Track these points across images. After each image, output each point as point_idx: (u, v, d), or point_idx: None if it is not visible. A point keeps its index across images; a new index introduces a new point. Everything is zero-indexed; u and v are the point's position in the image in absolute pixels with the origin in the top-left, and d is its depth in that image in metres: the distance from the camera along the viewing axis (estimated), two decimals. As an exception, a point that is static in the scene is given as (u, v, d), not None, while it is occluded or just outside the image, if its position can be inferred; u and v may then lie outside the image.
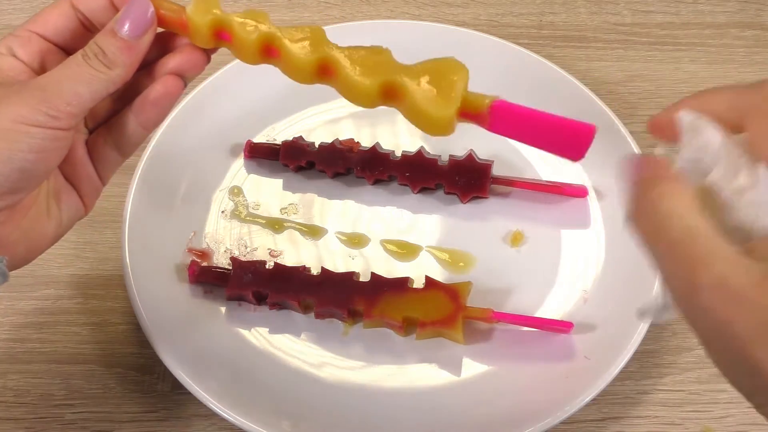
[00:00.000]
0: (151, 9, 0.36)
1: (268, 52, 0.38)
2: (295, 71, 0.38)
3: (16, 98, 0.33)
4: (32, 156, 0.33)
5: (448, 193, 0.52)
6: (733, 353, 0.23)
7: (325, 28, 0.58)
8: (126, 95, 0.38)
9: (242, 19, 0.38)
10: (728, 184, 0.26)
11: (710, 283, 0.23)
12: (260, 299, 0.48)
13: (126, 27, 0.35)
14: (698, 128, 0.28)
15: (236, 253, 0.51)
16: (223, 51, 0.62)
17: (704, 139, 0.27)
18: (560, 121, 0.36)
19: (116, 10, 0.37)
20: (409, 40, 0.58)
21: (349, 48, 0.38)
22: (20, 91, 0.33)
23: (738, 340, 0.23)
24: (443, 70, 0.38)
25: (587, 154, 0.52)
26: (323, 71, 0.38)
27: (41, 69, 0.37)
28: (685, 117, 0.28)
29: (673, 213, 0.25)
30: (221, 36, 0.38)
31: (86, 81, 0.34)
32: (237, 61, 0.56)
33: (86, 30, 0.38)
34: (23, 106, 0.32)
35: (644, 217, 0.26)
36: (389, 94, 0.38)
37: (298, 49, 0.38)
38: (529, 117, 0.37)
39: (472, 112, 0.38)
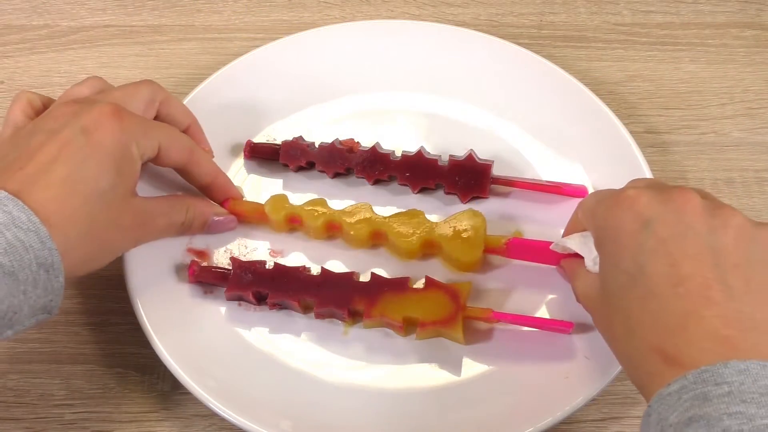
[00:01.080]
0: (236, 224, 0.51)
1: (332, 229, 0.50)
2: (355, 243, 0.50)
3: (137, 232, 0.45)
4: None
5: (448, 194, 0.52)
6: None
7: (324, 27, 0.58)
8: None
9: (308, 208, 0.50)
10: (591, 258, 0.43)
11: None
12: (260, 299, 0.48)
13: (215, 226, 0.50)
14: (563, 245, 0.45)
15: (236, 253, 0.51)
16: (223, 46, 0.63)
17: (569, 246, 0.45)
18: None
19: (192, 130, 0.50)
20: (409, 40, 0.58)
21: (391, 218, 0.50)
22: (133, 221, 0.44)
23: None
24: (465, 223, 0.49)
25: (589, 155, 0.53)
26: (375, 238, 0.50)
27: None
28: (554, 248, 0.46)
29: (577, 290, 0.44)
30: (293, 221, 0.51)
31: (173, 235, 0.48)
32: (236, 61, 0.56)
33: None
34: (130, 241, 0.46)
35: (576, 294, 0.44)
36: (428, 249, 0.50)
37: (354, 226, 0.49)
38: (536, 246, 0.48)
39: (492, 248, 0.48)
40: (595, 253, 0.41)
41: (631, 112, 0.58)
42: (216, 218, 0.50)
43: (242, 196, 0.52)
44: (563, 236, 0.47)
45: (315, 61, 0.57)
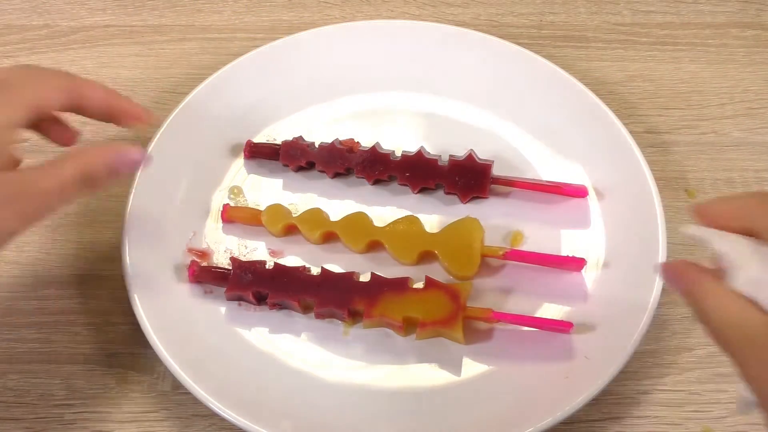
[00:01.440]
0: (145, 154, 0.43)
1: (329, 237, 0.51)
2: (352, 247, 0.50)
3: (15, 206, 0.38)
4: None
5: (448, 194, 0.52)
6: None
7: (324, 27, 0.58)
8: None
9: (305, 219, 0.50)
10: (739, 279, 0.31)
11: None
12: (260, 299, 0.48)
13: (122, 164, 0.42)
14: (705, 239, 0.33)
15: (236, 253, 0.51)
16: (223, 46, 0.62)
17: (713, 248, 0.33)
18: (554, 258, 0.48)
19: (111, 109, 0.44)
20: (409, 40, 0.58)
21: (388, 227, 0.50)
22: (6, 194, 0.38)
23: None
24: (463, 233, 0.49)
25: (589, 155, 0.53)
26: (373, 246, 0.50)
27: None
28: (690, 235, 0.34)
29: (716, 316, 0.31)
30: (290, 230, 0.51)
31: (75, 197, 0.40)
32: (236, 61, 0.56)
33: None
34: (15, 220, 0.38)
35: (703, 323, 0.32)
36: (425, 258, 0.50)
37: (351, 236, 0.50)
38: (534, 256, 0.48)
39: (489, 256, 0.49)
40: (754, 273, 0.31)
41: (631, 112, 0.58)
42: (118, 155, 0.42)
43: (148, 113, 0.45)
44: (709, 211, 0.34)
45: (315, 61, 0.57)
